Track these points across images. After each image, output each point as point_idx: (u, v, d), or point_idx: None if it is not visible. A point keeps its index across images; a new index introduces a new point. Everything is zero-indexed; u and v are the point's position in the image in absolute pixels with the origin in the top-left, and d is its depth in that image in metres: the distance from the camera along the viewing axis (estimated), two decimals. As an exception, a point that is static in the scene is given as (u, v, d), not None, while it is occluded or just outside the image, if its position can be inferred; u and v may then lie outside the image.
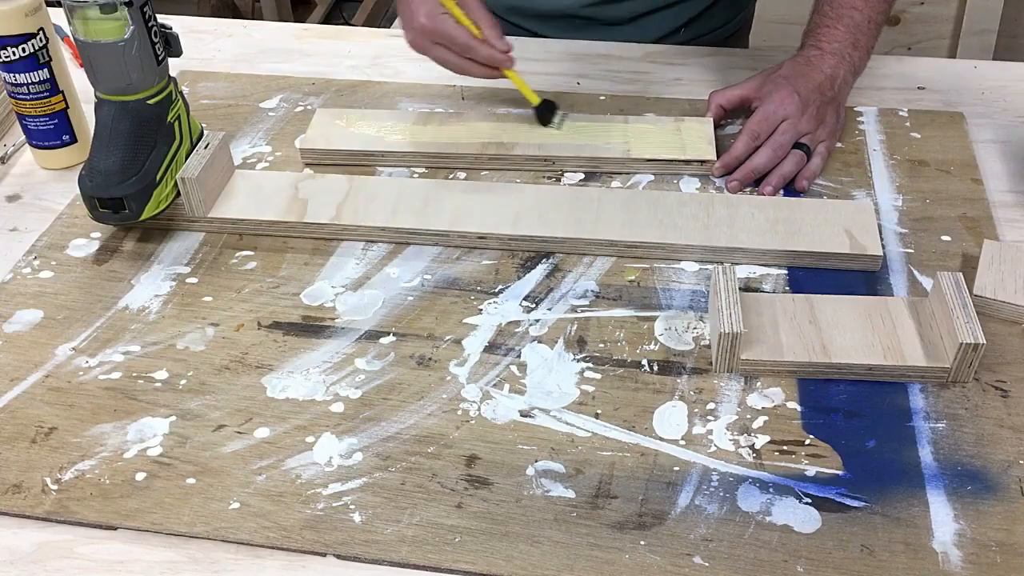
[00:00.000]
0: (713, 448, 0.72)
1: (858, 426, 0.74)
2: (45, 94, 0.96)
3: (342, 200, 0.93)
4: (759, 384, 0.77)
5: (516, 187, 0.96)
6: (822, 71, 0.99)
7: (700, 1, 1.22)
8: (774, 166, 0.96)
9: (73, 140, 1.00)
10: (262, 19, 2.71)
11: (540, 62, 1.17)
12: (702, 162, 0.98)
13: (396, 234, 0.91)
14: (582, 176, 0.99)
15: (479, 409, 0.75)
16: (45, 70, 0.95)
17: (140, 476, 0.71)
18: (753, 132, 0.96)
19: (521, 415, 0.75)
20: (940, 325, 0.77)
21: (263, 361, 0.80)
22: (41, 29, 0.93)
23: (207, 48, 1.23)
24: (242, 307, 0.85)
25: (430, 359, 0.79)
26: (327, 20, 2.91)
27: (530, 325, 0.82)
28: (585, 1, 1.19)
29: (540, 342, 0.81)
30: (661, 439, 0.73)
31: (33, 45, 0.93)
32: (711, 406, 0.75)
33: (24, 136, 1.02)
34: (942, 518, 0.67)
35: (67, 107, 0.98)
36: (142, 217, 0.88)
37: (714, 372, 0.78)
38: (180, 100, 0.92)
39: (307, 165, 1.02)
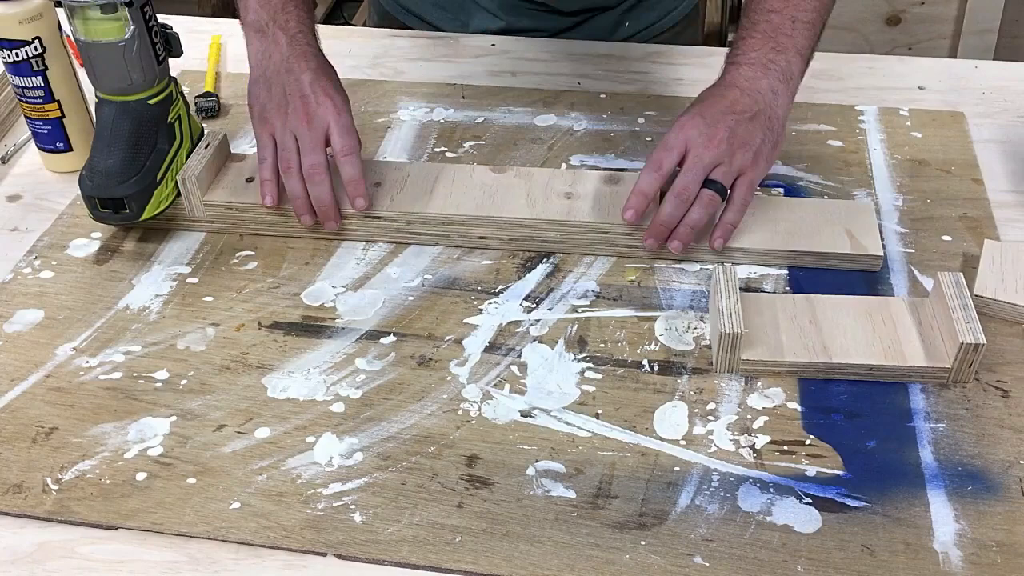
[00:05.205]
0: (713, 448, 0.72)
1: (858, 426, 0.74)
2: (39, 100, 0.96)
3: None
4: (759, 384, 0.77)
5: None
6: (736, 86, 0.87)
7: None
8: (683, 214, 0.84)
9: (68, 148, 1.00)
10: (262, 19, 2.70)
11: (540, 62, 1.17)
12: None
13: (396, 234, 0.91)
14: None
15: (479, 409, 0.75)
16: (39, 78, 0.95)
17: (140, 476, 0.71)
18: (655, 162, 0.84)
19: (522, 415, 0.75)
20: (940, 325, 0.77)
21: (263, 361, 0.80)
22: (37, 38, 0.92)
23: (207, 48, 1.23)
24: (242, 307, 0.85)
25: (430, 359, 0.79)
26: (327, 20, 2.90)
27: (531, 325, 0.82)
28: None
29: (541, 342, 0.81)
30: (662, 439, 0.73)
31: (27, 52, 0.93)
32: (711, 406, 0.75)
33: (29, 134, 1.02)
34: (943, 518, 0.67)
35: (63, 116, 0.98)
36: (143, 217, 0.88)
37: (714, 372, 0.78)
38: (180, 100, 0.92)
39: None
